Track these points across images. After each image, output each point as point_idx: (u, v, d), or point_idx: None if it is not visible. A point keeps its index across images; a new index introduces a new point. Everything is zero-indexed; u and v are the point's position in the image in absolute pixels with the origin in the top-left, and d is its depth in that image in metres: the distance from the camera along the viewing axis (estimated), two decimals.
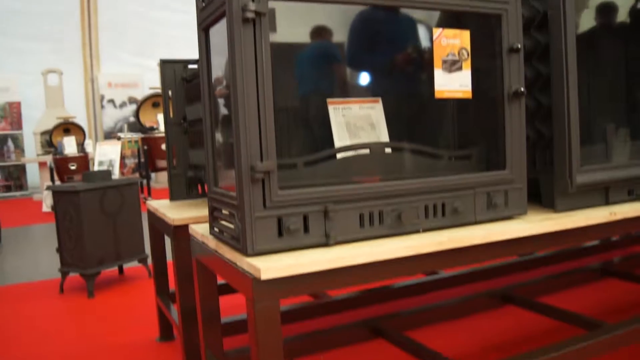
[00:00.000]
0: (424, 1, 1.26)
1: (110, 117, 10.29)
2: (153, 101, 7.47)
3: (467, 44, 1.33)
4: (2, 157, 9.32)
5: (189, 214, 1.77)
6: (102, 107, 10.19)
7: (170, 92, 2.15)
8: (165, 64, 2.15)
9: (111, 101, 10.26)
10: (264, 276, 1.04)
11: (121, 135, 8.35)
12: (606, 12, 1.82)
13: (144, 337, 2.39)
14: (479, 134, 1.46)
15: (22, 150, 9.44)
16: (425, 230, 1.29)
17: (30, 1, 9.15)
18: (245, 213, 1.11)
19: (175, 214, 1.79)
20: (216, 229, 1.31)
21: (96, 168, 3.26)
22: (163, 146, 4.45)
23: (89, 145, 8.04)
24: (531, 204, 1.48)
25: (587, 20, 1.73)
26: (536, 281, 2.33)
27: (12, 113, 9.39)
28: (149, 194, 7.26)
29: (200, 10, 1.29)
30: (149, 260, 2.85)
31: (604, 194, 1.55)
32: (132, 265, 3.43)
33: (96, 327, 2.61)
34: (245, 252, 1.12)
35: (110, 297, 3.05)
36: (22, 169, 9.30)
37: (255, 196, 1.11)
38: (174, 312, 2.04)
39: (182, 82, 2.15)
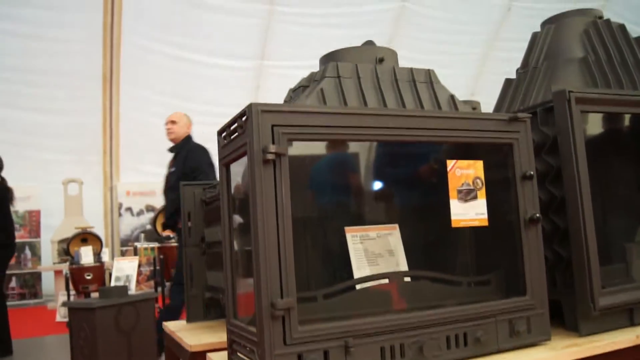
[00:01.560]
0: (437, 135, 1.32)
1: (128, 225, 10.43)
2: None
3: (481, 174, 1.37)
4: (19, 264, 9.37)
5: (207, 339, 1.75)
6: (120, 215, 10.37)
7: (189, 214, 2.21)
8: (185, 187, 2.22)
9: (129, 209, 10.46)
10: None
11: (137, 244, 8.42)
12: (613, 122, 1.86)
13: None
14: (497, 259, 1.46)
15: (39, 258, 9.51)
16: None
17: (54, 114, 9.65)
18: (265, 351, 1.10)
19: (193, 339, 1.77)
20: (235, 358, 1.29)
21: (113, 283, 3.26)
22: None
23: (105, 254, 8.09)
24: (554, 326, 1.45)
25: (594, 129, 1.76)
26: None
27: (32, 221, 9.58)
28: (164, 303, 7.18)
29: (221, 147, 1.36)
30: None
31: (629, 316, 1.52)
32: None
33: None
34: None
35: None
36: (37, 276, 9.31)
37: (276, 333, 1.10)
38: None
39: (201, 203, 2.21)
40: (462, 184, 1.35)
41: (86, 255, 6.41)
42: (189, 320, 2.17)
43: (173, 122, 4.23)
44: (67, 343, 3.13)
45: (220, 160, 1.36)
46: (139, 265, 8.77)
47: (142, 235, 9.18)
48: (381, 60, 1.40)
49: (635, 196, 1.78)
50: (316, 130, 1.19)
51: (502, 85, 1.87)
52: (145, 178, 10.62)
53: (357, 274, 1.43)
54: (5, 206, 4.99)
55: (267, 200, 1.12)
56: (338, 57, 1.40)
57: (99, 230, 9.69)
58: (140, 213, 10.59)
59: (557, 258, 1.54)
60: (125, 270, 3.23)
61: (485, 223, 1.37)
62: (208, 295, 2.18)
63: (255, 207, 1.12)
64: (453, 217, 1.33)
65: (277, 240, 1.12)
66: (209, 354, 1.51)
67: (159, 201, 10.49)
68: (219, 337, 1.76)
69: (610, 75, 1.66)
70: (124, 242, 10.31)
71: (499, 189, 1.42)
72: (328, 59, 1.42)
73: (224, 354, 1.41)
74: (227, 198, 1.33)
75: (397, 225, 1.53)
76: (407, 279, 1.38)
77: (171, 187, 4.04)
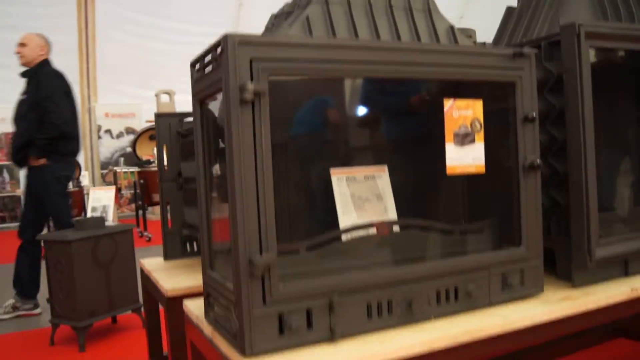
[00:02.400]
0: (435, 72, 1.18)
1: (107, 147, 10.22)
2: (150, 134, 7.41)
3: (480, 115, 1.25)
4: None
5: (184, 283, 1.67)
6: (99, 137, 10.13)
7: (164, 147, 2.07)
8: (160, 118, 2.07)
9: (108, 131, 10.21)
10: None
11: (117, 169, 8.27)
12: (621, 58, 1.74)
13: None
14: (492, 206, 1.37)
15: (18, 181, 9.34)
16: (437, 317, 1.19)
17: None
18: (243, 311, 1.01)
19: (170, 283, 1.69)
20: (212, 316, 1.21)
21: (89, 214, 3.16)
22: None
23: (85, 177, 7.95)
24: (545, 275, 1.40)
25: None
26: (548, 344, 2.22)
27: (8, 144, 9.31)
28: (145, 228, 7.15)
29: (195, 81, 1.21)
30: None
31: (623, 266, 1.46)
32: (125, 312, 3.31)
33: None
34: (243, 353, 1.02)
35: (103, 350, 2.92)
36: (17, 200, 9.18)
37: (254, 293, 1.01)
38: None
39: (177, 136, 2.07)
40: (460, 127, 1.23)
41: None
42: (166, 257, 2.09)
43: (23, 44, 3.68)
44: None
45: (193, 95, 1.22)
46: (119, 190, 8.67)
47: (122, 159, 9.01)
48: None
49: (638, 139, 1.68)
50: (301, 65, 1.04)
51: (503, 14, 1.71)
52: (124, 99, 10.31)
53: (342, 221, 1.34)
54: None
55: (245, 145, 1.00)
56: None
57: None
58: (120, 135, 10.36)
59: (553, 204, 1.45)
60: (102, 200, 3.12)
61: (482, 170, 1.26)
62: (186, 233, 2.09)
63: (232, 153, 0.99)
64: (448, 162, 1.22)
65: (255, 191, 1.01)
66: (185, 302, 1.44)
67: (138, 123, 10.25)
68: (197, 278, 1.68)
69: (621, 7, 1.51)
70: (104, 165, 10.15)
71: (497, 131, 1.31)
72: None
73: (202, 302, 1.34)
74: (201, 138, 1.20)
75: (385, 167, 1.43)
76: (396, 227, 1.29)
77: (22, 116, 3.59)
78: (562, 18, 1.46)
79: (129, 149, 10.03)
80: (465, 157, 1.24)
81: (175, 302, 1.61)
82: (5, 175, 9.31)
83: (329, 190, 1.34)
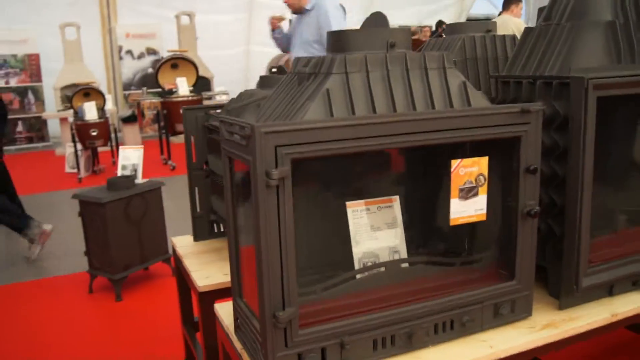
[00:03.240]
0: (448, 136, 1.28)
1: (129, 68, 10.28)
2: (172, 63, 7.44)
3: (485, 170, 1.37)
4: (23, 109, 9.44)
5: (216, 278, 1.88)
6: (120, 58, 10.16)
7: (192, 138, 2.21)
8: (186, 111, 2.19)
9: (129, 52, 10.21)
10: None
11: (140, 99, 8.39)
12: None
13: (170, 355, 2.58)
14: (491, 242, 1.51)
15: (43, 102, 9.55)
16: (434, 344, 1.38)
17: None
18: (268, 352, 1.21)
19: (202, 276, 1.90)
20: (241, 335, 1.42)
21: (119, 173, 3.35)
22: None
23: (109, 100, 8.09)
24: (540, 287, 1.58)
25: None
26: None
27: (31, 65, 9.43)
28: (169, 157, 7.39)
29: (224, 140, 1.33)
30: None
31: (609, 288, 1.62)
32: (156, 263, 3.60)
33: (124, 337, 2.80)
34: None
35: (137, 299, 3.23)
36: (43, 121, 9.44)
37: (278, 339, 1.20)
38: (199, 350, 2.19)
39: (204, 129, 2.20)
40: (465, 182, 1.35)
41: (90, 111, 6.44)
42: (195, 239, 2.29)
43: None
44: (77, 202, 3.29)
45: (223, 150, 1.35)
46: (142, 113, 8.85)
47: (145, 89, 9.09)
48: (392, 46, 1.31)
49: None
50: (322, 147, 1.16)
51: (520, 35, 1.75)
52: (145, 20, 10.21)
53: (356, 251, 1.50)
54: None
55: (270, 222, 1.14)
56: (346, 43, 1.31)
57: (100, 74, 9.60)
58: (141, 56, 10.38)
59: (549, 231, 1.59)
60: (131, 159, 3.30)
61: (483, 218, 1.40)
62: (213, 218, 2.27)
63: (259, 228, 1.14)
64: (452, 215, 1.36)
65: (279, 259, 1.17)
66: (216, 306, 1.65)
67: (159, 44, 10.23)
68: (226, 269, 1.85)
69: (636, 44, 1.55)
70: (126, 86, 10.26)
71: (499, 179, 1.43)
72: (336, 43, 1.33)
73: (231, 305, 1.51)
74: (230, 191, 1.35)
75: (397, 197, 1.56)
76: (405, 264, 1.45)
77: None
78: (575, 59, 1.52)
79: (150, 70, 10.09)
80: (468, 210, 1.37)
81: (206, 296, 1.83)
82: (30, 96, 9.50)
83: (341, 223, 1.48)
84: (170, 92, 7.23)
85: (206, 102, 8.07)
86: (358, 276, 1.40)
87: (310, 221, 1.49)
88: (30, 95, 9.49)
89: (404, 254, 1.53)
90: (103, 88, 8.91)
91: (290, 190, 1.15)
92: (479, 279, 1.47)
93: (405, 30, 1.37)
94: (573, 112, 1.43)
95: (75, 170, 6.89)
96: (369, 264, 1.49)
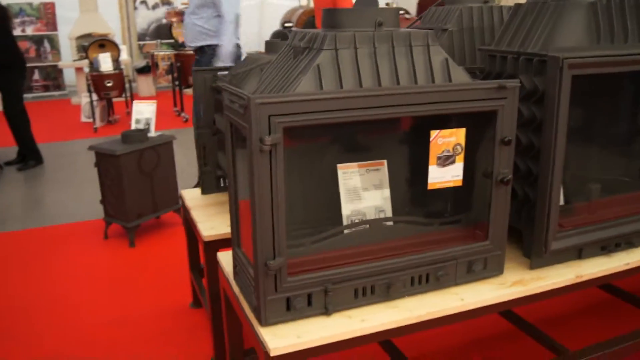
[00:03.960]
0: (429, 109, 1.41)
1: (143, 18, 10.30)
2: None
3: (462, 140, 1.49)
4: (39, 57, 9.56)
5: (220, 229, 2.05)
6: (135, 8, 10.17)
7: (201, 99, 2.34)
8: (196, 73, 2.32)
9: (144, 2, 10.21)
10: (273, 353, 1.34)
11: (154, 52, 8.45)
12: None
13: (179, 298, 2.79)
14: (468, 204, 1.66)
15: (58, 51, 9.65)
16: (410, 295, 1.55)
17: None
18: (260, 295, 1.38)
19: (207, 227, 2.07)
20: (238, 281, 1.59)
21: (133, 126, 3.50)
22: None
23: (123, 51, 8.18)
24: (514, 248, 1.74)
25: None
26: None
27: (47, 14, 9.49)
28: (182, 108, 7.53)
29: (226, 103, 1.47)
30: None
31: (578, 251, 1.76)
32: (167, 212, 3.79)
33: (136, 281, 3.02)
34: (260, 323, 1.41)
35: (149, 246, 3.44)
36: (59, 69, 9.55)
37: (268, 284, 1.37)
38: (204, 294, 2.39)
39: (212, 90, 2.33)
40: (443, 151, 1.48)
41: (105, 62, 6.55)
42: (203, 192, 2.46)
43: None
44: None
45: (225, 116, 1.48)
46: (156, 64, 8.92)
47: (159, 41, 9.13)
48: (380, 24, 1.42)
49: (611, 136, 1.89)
50: (311, 117, 1.30)
51: (511, 9, 1.84)
52: None
53: (345, 208, 1.65)
54: (3, 26, 5.01)
55: (263, 183, 1.29)
56: (339, 20, 1.43)
57: (115, 24, 9.64)
58: (155, 6, 10.37)
59: (526, 197, 1.73)
60: (144, 113, 3.44)
61: (459, 183, 1.54)
62: (220, 173, 2.43)
63: (254, 189, 1.29)
64: (430, 180, 1.50)
65: (271, 216, 1.32)
66: (219, 255, 1.82)
67: None
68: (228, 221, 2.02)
69: (616, 24, 1.64)
70: (141, 37, 10.31)
71: (478, 148, 1.56)
72: (328, 21, 1.44)
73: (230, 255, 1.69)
74: (231, 152, 1.49)
75: (385, 161, 1.70)
76: (389, 223, 1.60)
77: None
78: (558, 37, 1.62)
79: (164, 21, 10.10)
80: (445, 176, 1.51)
81: (211, 245, 2.01)
82: (46, 45, 9.60)
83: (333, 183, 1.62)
84: (184, 44, 7.30)
85: None
86: (346, 231, 1.55)
87: (305, 181, 1.64)
88: (46, 44, 9.59)
89: (389, 214, 1.68)
90: (117, 38, 8.98)
91: (282, 154, 1.29)
92: (456, 238, 1.62)
93: (394, 10, 1.47)
94: (548, 89, 1.54)
95: (90, 120, 7.07)
96: (356, 221, 1.64)
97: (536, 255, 1.69)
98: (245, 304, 1.52)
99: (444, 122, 1.55)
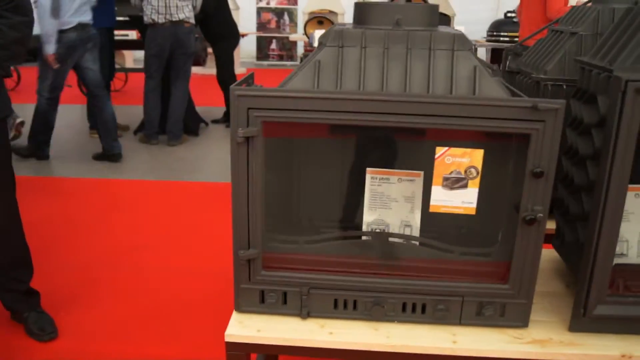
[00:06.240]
0: (422, 122, 1.25)
1: None
2: None
3: (479, 162, 1.29)
4: (278, 29, 10.58)
5: None
6: None
7: None
8: None
9: None
10: (226, 339, 1.37)
11: None
12: None
13: None
14: (492, 236, 1.43)
15: (296, 24, 10.55)
16: (401, 322, 1.42)
17: None
18: (235, 281, 1.42)
19: None
20: None
21: None
22: None
23: None
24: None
25: None
26: None
27: None
28: None
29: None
30: None
31: (635, 323, 1.39)
32: None
33: None
34: (236, 308, 1.45)
35: None
36: (293, 42, 10.47)
37: (242, 272, 1.40)
38: None
39: None
40: (451, 172, 1.30)
41: (317, 39, 6.95)
42: None
43: None
44: None
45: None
46: None
47: None
48: (398, 24, 1.29)
49: None
50: (290, 114, 1.26)
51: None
52: None
53: (367, 215, 1.57)
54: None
55: (241, 174, 1.31)
56: (362, 15, 1.35)
57: (348, 2, 10.09)
58: None
59: (575, 236, 1.43)
60: None
61: (472, 212, 1.33)
62: None
63: (232, 177, 1.32)
64: (432, 202, 1.33)
65: (246, 208, 1.33)
66: None
67: None
68: None
69: None
70: None
71: (506, 176, 1.33)
72: (355, 16, 1.37)
73: None
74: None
75: (422, 173, 1.55)
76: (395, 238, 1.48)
77: None
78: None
79: None
80: (453, 200, 1.32)
81: None
82: (286, 17, 10.56)
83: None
84: None
85: None
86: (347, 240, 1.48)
87: (328, 178, 1.59)
88: (286, 17, 10.55)
89: (416, 230, 1.54)
90: (348, 17, 9.42)
91: (261, 148, 1.29)
92: (470, 272, 1.42)
93: (422, 7, 1.32)
94: (609, 114, 1.23)
95: None
96: (377, 230, 1.55)
97: (575, 316, 1.38)
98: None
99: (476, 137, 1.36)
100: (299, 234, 1.49)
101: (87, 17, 4.75)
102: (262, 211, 1.34)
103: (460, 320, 1.41)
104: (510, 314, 1.39)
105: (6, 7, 2.17)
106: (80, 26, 4.65)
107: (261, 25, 10.19)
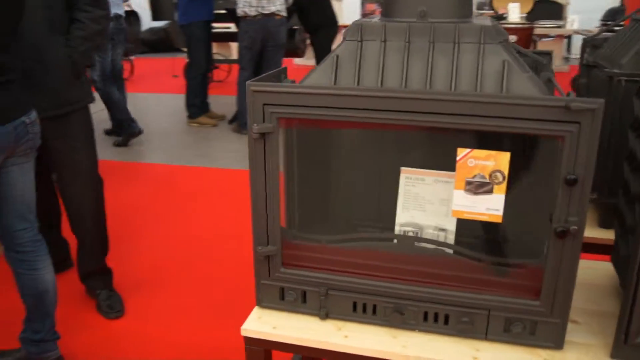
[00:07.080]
0: (470, 123, 1.17)
1: None
2: None
3: (505, 167, 1.19)
4: None
5: None
6: None
7: None
8: None
9: None
10: (243, 333, 1.38)
11: None
12: None
13: None
14: (529, 246, 1.31)
15: None
16: (422, 331, 1.35)
17: None
18: (256, 277, 1.42)
19: None
20: None
21: None
22: None
23: None
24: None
25: None
26: None
27: None
28: None
29: None
30: None
31: None
32: None
33: None
34: (258, 303, 1.46)
35: None
36: None
37: (262, 268, 1.40)
38: None
39: None
40: (474, 176, 1.21)
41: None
42: None
43: None
44: None
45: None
46: None
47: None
48: (423, 16, 1.22)
49: None
50: (305, 111, 1.24)
51: None
52: None
53: (399, 217, 1.51)
54: None
55: (258, 170, 1.31)
56: (388, 8, 1.28)
57: None
58: None
59: (628, 250, 1.27)
60: None
61: (499, 220, 1.23)
62: None
63: (251, 173, 1.32)
64: (454, 207, 1.24)
65: (265, 204, 1.33)
66: None
67: None
68: None
69: None
70: None
71: (541, 182, 1.21)
72: (383, 7, 1.31)
73: None
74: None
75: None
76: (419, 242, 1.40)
77: None
78: None
79: None
80: (477, 206, 1.23)
81: None
82: None
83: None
84: (501, 17, 7.02)
85: (538, 32, 7.56)
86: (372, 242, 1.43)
87: (367, 175, 1.55)
88: None
89: (451, 234, 1.46)
90: None
91: (277, 144, 1.28)
92: (500, 284, 1.32)
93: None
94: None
95: None
96: (410, 233, 1.48)
97: (617, 342, 1.23)
98: None
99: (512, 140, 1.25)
100: (325, 233, 1.46)
101: (120, 9, 5.32)
102: (279, 209, 1.33)
103: (486, 335, 1.31)
104: (541, 332, 1.27)
105: (87, 2, 2.33)
106: (115, 17, 5.13)
107: (365, 16, 10.05)
